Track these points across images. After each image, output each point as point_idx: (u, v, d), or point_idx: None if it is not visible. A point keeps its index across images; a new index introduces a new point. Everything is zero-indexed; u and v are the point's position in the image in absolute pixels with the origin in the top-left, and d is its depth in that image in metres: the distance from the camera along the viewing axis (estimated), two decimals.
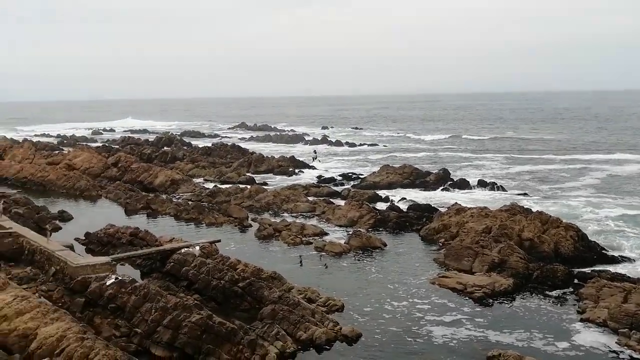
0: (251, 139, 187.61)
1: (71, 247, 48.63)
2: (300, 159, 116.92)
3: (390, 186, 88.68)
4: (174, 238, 53.29)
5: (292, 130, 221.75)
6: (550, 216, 56.61)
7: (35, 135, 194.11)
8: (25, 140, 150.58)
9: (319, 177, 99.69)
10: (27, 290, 36.05)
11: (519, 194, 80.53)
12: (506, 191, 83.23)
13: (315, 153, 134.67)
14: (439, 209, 67.70)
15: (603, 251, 52.55)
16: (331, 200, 75.34)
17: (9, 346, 29.06)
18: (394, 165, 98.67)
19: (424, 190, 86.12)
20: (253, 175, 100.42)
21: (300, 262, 50.11)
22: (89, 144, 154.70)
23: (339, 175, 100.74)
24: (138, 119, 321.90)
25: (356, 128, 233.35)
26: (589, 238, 53.93)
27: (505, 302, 41.19)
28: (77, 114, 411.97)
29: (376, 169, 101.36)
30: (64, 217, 67.94)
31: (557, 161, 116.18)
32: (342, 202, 72.40)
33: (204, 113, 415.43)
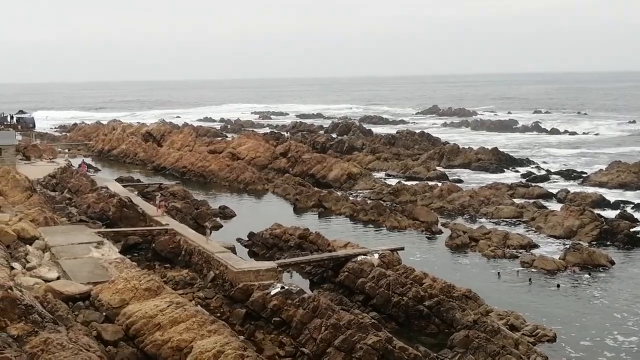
0: (444, 125, 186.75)
1: (232, 249, 51.05)
2: (505, 150, 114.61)
3: (621, 188, 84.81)
4: (349, 243, 54.18)
5: (495, 115, 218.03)
6: None
7: (198, 120, 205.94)
8: (185, 124, 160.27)
9: (528, 174, 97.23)
10: (183, 297, 38.34)
11: None
12: None
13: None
14: None
15: None
16: (543, 203, 73.24)
17: (161, 359, 31.12)
18: (627, 162, 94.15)
19: None
20: (445, 171, 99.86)
21: (530, 281, 49.09)
22: (255, 129, 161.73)
23: (555, 173, 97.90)
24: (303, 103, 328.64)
25: (579, 113, 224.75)
26: None
27: None
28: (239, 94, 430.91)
29: (604, 165, 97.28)
30: (226, 213, 71.50)
31: None
32: (557, 207, 70.10)
33: (382, 94, 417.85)
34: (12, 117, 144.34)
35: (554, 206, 71.96)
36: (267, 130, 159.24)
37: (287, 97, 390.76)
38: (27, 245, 46.02)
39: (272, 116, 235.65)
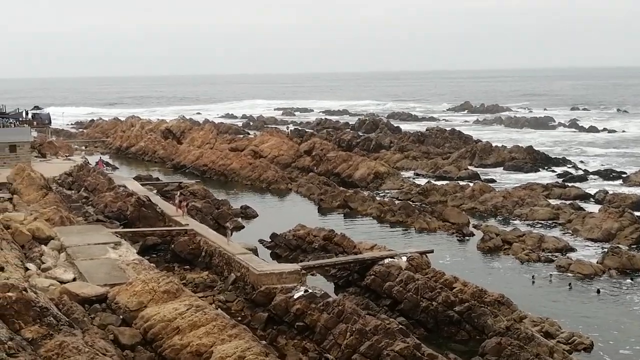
0: (476, 122, 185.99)
1: (254, 251, 51.10)
2: (541, 149, 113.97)
3: None
4: (375, 245, 54.13)
5: (530, 111, 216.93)
6: None
7: (219, 117, 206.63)
8: (206, 121, 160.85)
9: (565, 174, 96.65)
10: (203, 300, 38.48)
11: None
12: None
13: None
14: None
15: None
16: (580, 205, 72.79)
17: None
18: None
19: None
20: (477, 170, 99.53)
21: (570, 285, 48.85)
22: (278, 126, 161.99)
23: (593, 172, 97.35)
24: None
25: (618, 110, 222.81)
26: None
27: None
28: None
29: None
30: (247, 214, 71.73)
31: None
32: (595, 208, 69.65)
33: (411, 90, 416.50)
34: (27, 113, 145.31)
35: (592, 208, 71.52)
36: (292, 127, 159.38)
37: (300, 92, 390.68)
38: (42, 246, 46.40)
39: (296, 112, 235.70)
